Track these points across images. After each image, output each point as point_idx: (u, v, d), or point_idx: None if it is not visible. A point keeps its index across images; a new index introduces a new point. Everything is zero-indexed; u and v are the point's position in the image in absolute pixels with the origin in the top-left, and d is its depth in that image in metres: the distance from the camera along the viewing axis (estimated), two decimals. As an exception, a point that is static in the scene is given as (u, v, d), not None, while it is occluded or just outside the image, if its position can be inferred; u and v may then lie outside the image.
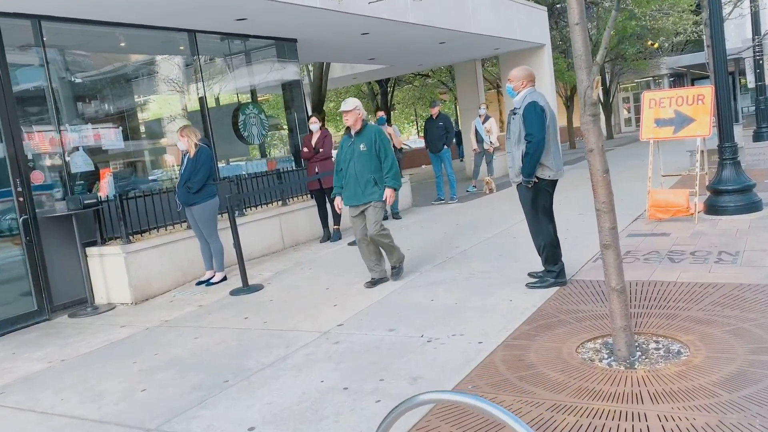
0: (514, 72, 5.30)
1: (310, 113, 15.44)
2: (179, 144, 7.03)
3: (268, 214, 8.65)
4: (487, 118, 13.46)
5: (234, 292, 6.53)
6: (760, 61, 16.40)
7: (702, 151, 7.73)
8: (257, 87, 10.32)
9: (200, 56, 8.76)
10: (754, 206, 7.33)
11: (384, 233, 5.93)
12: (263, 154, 10.32)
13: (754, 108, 18.61)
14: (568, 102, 26.54)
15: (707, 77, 23.90)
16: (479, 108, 13.74)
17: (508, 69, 16.75)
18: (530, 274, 5.69)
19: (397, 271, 6.24)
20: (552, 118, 5.21)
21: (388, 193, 5.89)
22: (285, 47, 10.30)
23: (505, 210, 9.90)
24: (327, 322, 5.16)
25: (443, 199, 12.05)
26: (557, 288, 5.27)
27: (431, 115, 11.96)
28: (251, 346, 4.79)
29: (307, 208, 9.23)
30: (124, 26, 7.72)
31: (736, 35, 21.45)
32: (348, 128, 6.03)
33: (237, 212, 7.94)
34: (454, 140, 11.89)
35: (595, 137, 3.68)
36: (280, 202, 9.04)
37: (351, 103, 5.90)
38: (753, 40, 16.32)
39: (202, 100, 8.84)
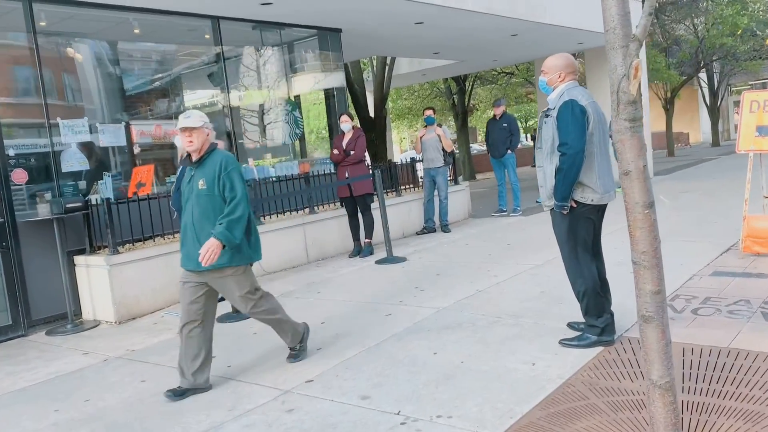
0: (549, 61, 4.03)
1: (373, 113, 14.49)
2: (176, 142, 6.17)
3: (290, 223, 7.70)
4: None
5: (220, 319, 5.59)
6: None
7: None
8: (293, 81, 9.40)
9: (223, 46, 7.92)
10: None
11: (262, 308, 4.08)
12: (300, 155, 9.40)
13: None
14: (668, 104, 24.18)
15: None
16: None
17: (594, 67, 15.12)
18: (570, 325, 4.40)
19: (296, 354, 4.32)
20: (600, 121, 3.90)
21: (206, 246, 3.69)
22: (328, 38, 9.33)
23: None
24: (295, 374, 4.09)
25: (505, 211, 10.71)
26: (600, 349, 3.96)
27: (494, 115, 10.63)
28: (190, 404, 3.80)
29: (338, 217, 8.21)
30: (138, 11, 6.99)
31: None
32: (189, 155, 3.96)
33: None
34: (519, 143, 10.50)
35: (634, 153, 2.42)
36: (306, 210, 8.06)
37: (196, 119, 3.84)
38: None
39: (225, 95, 8.01)
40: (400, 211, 9.31)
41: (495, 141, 10.49)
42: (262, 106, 8.93)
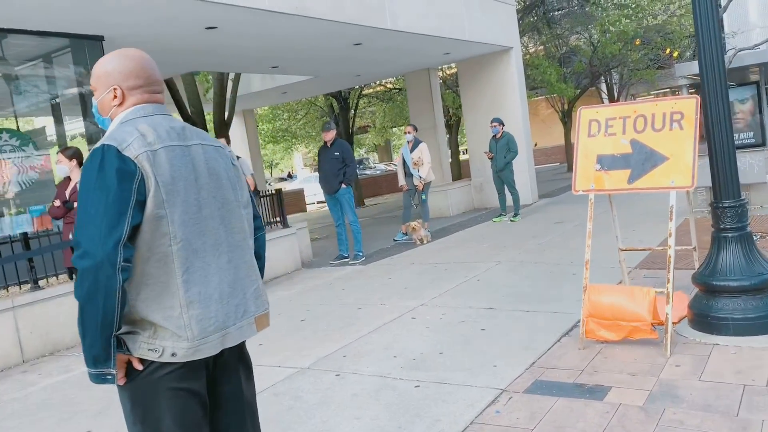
0: (97, 66, 2.00)
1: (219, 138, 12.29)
2: None
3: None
4: (416, 144, 10.12)
5: None
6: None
7: (686, 216, 4.32)
8: (29, 104, 7.12)
9: None
10: (779, 320, 3.92)
11: None
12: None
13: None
14: (565, 117, 23.04)
15: (732, 86, 20.22)
16: (406, 132, 10.39)
17: (467, 79, 13.48)
18: None
19: None
20: (198, 181, 1.91)
21: None
22: (86, 49, 7.11)
23: (420, 284, 6.55)
24: None
25: (346, 257, 8.73)
26: None
27: (324, 142, 8.67)
28: None
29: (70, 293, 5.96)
30: None
31: (761, 33, 17.77)
32: None
33: None
34: (355, 176, 8.57)
35: None
36: (24, 286, 5.79)
37: None
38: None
39: None
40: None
41: (326, 173, 8.52)
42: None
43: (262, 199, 8.83)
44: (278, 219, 8.71)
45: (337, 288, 6.94)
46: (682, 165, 4.01)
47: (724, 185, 4.08)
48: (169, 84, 11.53)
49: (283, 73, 12.00)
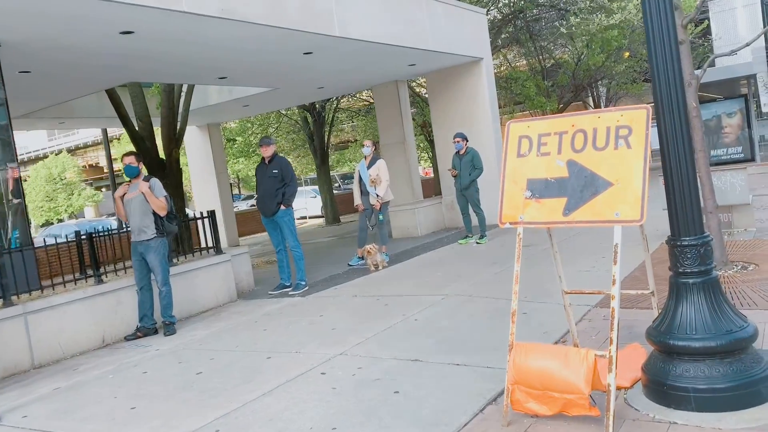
0: None
1: (164, 154, 11.42)
2: None
3: None
4: (374, 160, 9.29)
5: None
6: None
7: (645, 260, 3.49)
8: None
9: None
10: (751, 393, 3.06)
11: None
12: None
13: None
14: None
15: (716, 100, 19.47)
16: (363, 146, 9.55)
17: (436, 92, 12.72)
18: None
19: None
20: None
21: None
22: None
23: (351, 324, 5.68)
24: None
25: (288, 286, 7.86)
26: None
27: (262, 159, 7.82)
28: None
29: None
30: None
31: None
32: None
33: None
34: (294, 196, 7.72)
35: None
36: None
37: None
38: None
39: None
40: (99, 307, 6.30)
41: (263, 193, 7.67)
42: None
43: (191, 222, 7.96)
44: (211, 245, 7.83)
45: (258, 328, 6.05)
46: (630, 193, 3.16)
47: (683, 218, 3.24)
48: (112, 96, 10.70)
49: (234, 84, 11.18)
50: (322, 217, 20.64)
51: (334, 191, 21.12)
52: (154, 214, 6.29)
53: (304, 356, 4.85)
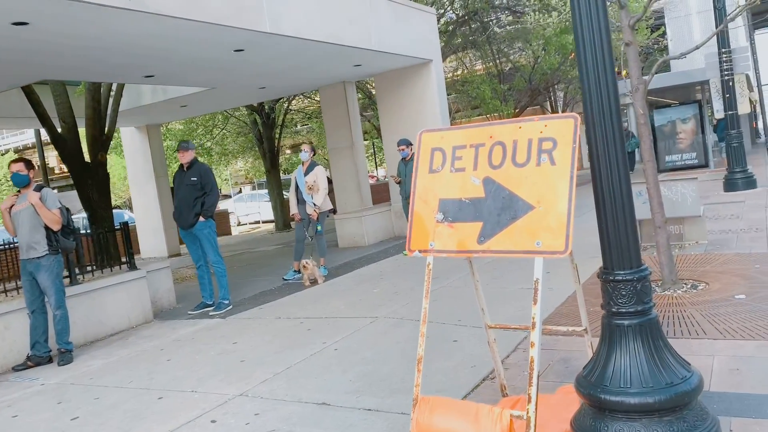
0: None
1: (89, 158, 10.60)
2: None
3: None
4: (312, 166, 8.67)
5: None
6: (730, 83, 11.87)
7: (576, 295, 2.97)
8: None
9: None
10: (697, 461, 2.56)
11: None
12: None
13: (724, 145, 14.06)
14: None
15: (671, 105, 19.38)
16: (301, 151, 8.93)
17: (383, 94, 12.17)
18: None
19: None
20: None
21: None
22: None
23: (263, 354, 5.05)
24: None
25: (210, 305, 7.19)
26: None
27: (180, 165, 7.15)
28: None
29: None
30: None
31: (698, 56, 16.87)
32: None
33: None
34: (216, 207, 7.06)
35: None
36: None
37: None
38: (719, 53, 11.81)
39: None
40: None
41: (180, 203, 7.00)
42: None
43: (100, 235, 7.22)
44: (124, 260, 7.12)
45: (162, 358, 5.38)
46: (553, 218, 2.63)
47: (617, 248, 2.72)
48: (29, 94, 9.85)
49: (163, 83, 10.45)
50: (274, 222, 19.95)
51: (285, 196, 20.40)
52: (47, 228, 5.57)
53: (200, 397, 4.21)
